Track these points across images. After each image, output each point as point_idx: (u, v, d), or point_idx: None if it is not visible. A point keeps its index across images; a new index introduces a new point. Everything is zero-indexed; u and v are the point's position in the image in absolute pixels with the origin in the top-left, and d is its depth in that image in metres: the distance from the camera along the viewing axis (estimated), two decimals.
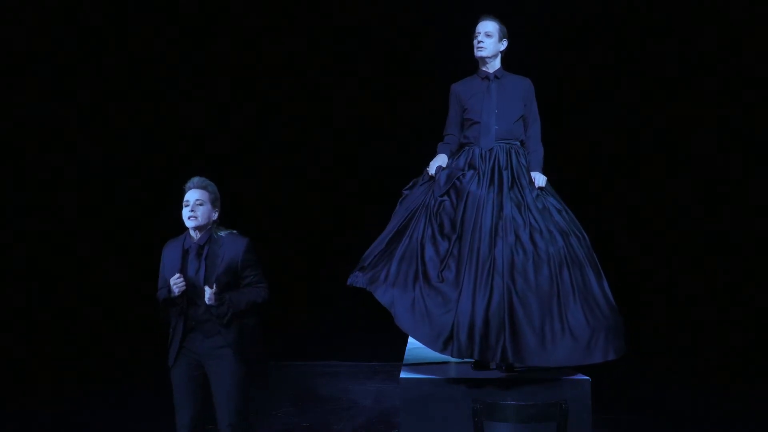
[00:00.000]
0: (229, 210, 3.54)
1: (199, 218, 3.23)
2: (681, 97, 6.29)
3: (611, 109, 6.41)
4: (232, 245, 3.28)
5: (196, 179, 3.31)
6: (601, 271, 3.40)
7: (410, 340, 4.17)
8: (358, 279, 3.45)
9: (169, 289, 3.16)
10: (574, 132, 6.23)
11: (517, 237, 3.30)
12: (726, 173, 6.25)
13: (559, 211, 3.48)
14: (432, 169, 3.60)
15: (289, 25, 6.64)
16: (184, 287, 3.15)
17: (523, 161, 3.56)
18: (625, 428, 4.66)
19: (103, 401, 5.44)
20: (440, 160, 3.62)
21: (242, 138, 6.80)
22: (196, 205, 3.24)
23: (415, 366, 3.50)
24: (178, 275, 3.15)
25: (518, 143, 3.60)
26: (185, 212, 3.24)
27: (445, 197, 3.48)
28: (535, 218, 3.38)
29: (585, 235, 3.46)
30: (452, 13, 6.02)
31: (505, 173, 3.48)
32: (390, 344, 5.05)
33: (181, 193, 3.28)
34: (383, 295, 3.31)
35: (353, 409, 5.22)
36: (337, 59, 6.67)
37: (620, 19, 6.29)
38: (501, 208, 3.38)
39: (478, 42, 3.59)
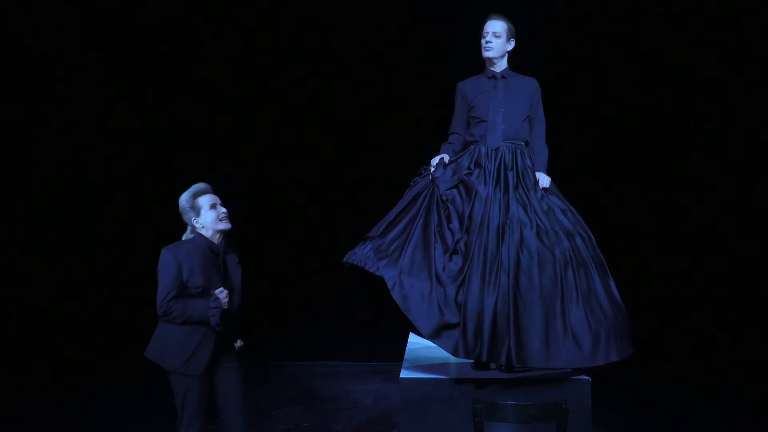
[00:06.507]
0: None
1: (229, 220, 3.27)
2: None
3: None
4: (234, 253, 3.35)
5: (202, 185, 3.28)
6: (608, 271, 3.38)
7: (410, 340, 4.16)
8: (356, 254, 3.41)
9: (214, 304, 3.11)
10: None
11: (523, 237, 3.29)
12: (726, 172, 6.25)
13: (563, 212, 3.46)
14: (433, 162, 3.59)
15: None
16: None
17: (528, 162, 3.54)
18: (625, 428, 4.66)
19: (103, 401, 5.44)
20: (442, 158, 3.61)
21: (239, 137, 6.82)
22: (223, 207, 3.26)
23: (415, 366, 3.50)
24: (221, 288, 3.13)
25: (523, 144, 3.59)
26: (216, 215, 3.21)
27: (454, 191, 3.47)
28: (540, 219, 3.36)
29: (590, 234, 3.44)
30: (452, 13, 6.03)
31: (510, 174, 3.46)
32: (390, 344, 5.06)
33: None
34: (385, 268, 3.27)
35: (353, 409, 5.22)
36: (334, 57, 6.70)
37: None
38: (507, 208, 3.36)
39: (486, 42, 3.57)
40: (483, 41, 3.59)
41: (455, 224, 3.37)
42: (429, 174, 3.56)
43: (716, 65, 6.13)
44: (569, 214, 3.48)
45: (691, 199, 6.34)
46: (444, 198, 3.45)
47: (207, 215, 3.21)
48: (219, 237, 3.25)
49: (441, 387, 3.20)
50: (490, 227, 3.31)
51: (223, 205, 3.28)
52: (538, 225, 3.34)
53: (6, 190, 5.98)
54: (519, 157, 3.52)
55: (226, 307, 3.13)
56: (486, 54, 3.59)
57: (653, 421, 4.84)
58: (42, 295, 6.17)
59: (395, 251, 3.33)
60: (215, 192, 3.32)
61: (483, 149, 3.53)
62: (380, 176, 6.30)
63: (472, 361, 3.40)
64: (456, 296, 3.20)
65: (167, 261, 3.12)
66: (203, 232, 3.24)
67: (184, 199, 3.25)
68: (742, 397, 5.32)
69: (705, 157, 6.29)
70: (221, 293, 3.12)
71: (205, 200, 3.23)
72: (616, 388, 5.06)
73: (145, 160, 6.67)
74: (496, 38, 3.56)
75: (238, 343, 3.35)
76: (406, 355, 3.82)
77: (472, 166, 3.51)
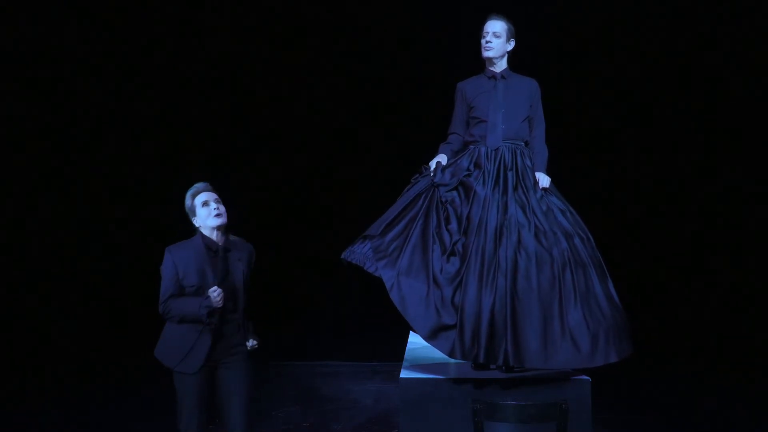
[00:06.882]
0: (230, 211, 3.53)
1: (224, 215, 3.24)
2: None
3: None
4: (244, 247, 3.35)
5: (200, 184, 3.29)
6: (606, 272, 3.37)
7: (410, 340, 4.16)
8: (355, 252, 3.39)
9: (203, 302, 3.09)
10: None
11: (521, 238, 3.28)
12: (726, 172, 6.25)
13: (562, 212, 3.45)
14: (432, 165, 3.59)
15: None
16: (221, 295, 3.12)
17: (528, 162, 3.53)
18: (625, 428, 4.66)
19: (103, 401, 5.44)
20: (440, 159, 3.61)
21: (239, 136, 6.82)
22: (219, 203, 3.25)
23: (415, 366, 3.49)
24: (214, 287, 3.10)
25: (523, 144, 3.58)
26: (208, 212, 3.20)
27: (453, 192, 3.46)
28: (539, 220, 3.35)
29: (589, 235, 3.43)
30: (452, 12, 6.03)
31: (510, 174, 3.45)
32: (390, 344, 5.05)
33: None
34: (384, 269, 3.26)
35: (353, 409, 5.22)
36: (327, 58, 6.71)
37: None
38: (506, 209, 3.35)
39: (486, 42, 3.56)
40: (483, 41, 3.58)
41: (453, 225, 3.36)
42: (429, 174, 3.56)
43: (716, 65, 6.13)
44: (568, 214, 3.47)
45: (692, 199, 6.34)
46: (444, 199, 3.45)
47: (200, 213, 3.23)
48: (218, 234, 3.25)
49: (441, 387, 3.20)
50: (488, 228, 3.30)
51: (221, 201, 3.27)
52: (536, 226, 3.33)
53: (6, 190, 5.99)
54: (519, 158, 3.51)
55: (218, 305, 3.10)
56: (486, 54, 3.59)
57: (653, 421, 4.84)
58: (42, 295, 6.17)
59: (394, 251, 3.33)
60: (216, 190, 3.32)
61: (483, 149, 3.52)
62: (380, 176, 6.30)
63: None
64: (453, 298, 3.19)
65: (166, 262, 3.19)
66: (202, 230, 3.26)
67: (185, 200, 3.28)
68: (742, 397, 5.31)
69: (705, 157, 6.29)
70: (213, 292, 3.10)
71: (199, 199, 3.25)
72: (616, 388, 5.06)
73: (146, 160, 6.67)
74: (496, 38, 3.55)
75: (250, 343, 3.30)
76: (406, 355, 3.81)
77: (471, 167, 3.50)
